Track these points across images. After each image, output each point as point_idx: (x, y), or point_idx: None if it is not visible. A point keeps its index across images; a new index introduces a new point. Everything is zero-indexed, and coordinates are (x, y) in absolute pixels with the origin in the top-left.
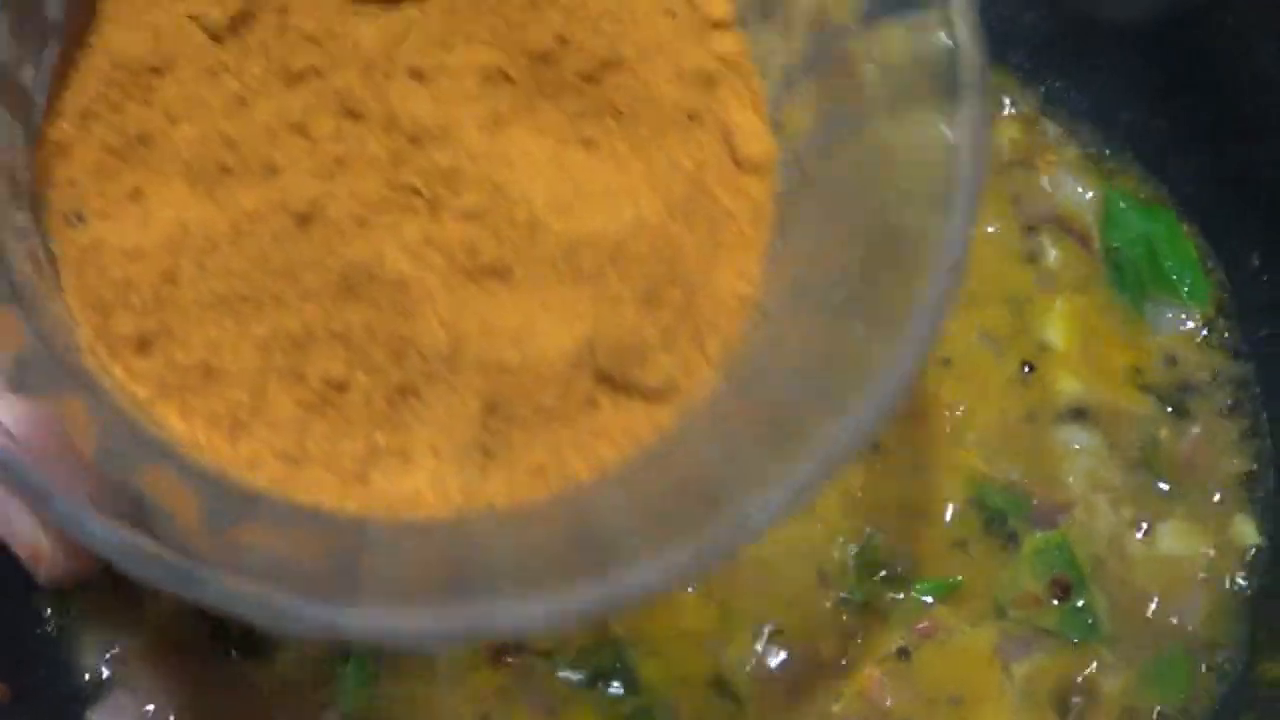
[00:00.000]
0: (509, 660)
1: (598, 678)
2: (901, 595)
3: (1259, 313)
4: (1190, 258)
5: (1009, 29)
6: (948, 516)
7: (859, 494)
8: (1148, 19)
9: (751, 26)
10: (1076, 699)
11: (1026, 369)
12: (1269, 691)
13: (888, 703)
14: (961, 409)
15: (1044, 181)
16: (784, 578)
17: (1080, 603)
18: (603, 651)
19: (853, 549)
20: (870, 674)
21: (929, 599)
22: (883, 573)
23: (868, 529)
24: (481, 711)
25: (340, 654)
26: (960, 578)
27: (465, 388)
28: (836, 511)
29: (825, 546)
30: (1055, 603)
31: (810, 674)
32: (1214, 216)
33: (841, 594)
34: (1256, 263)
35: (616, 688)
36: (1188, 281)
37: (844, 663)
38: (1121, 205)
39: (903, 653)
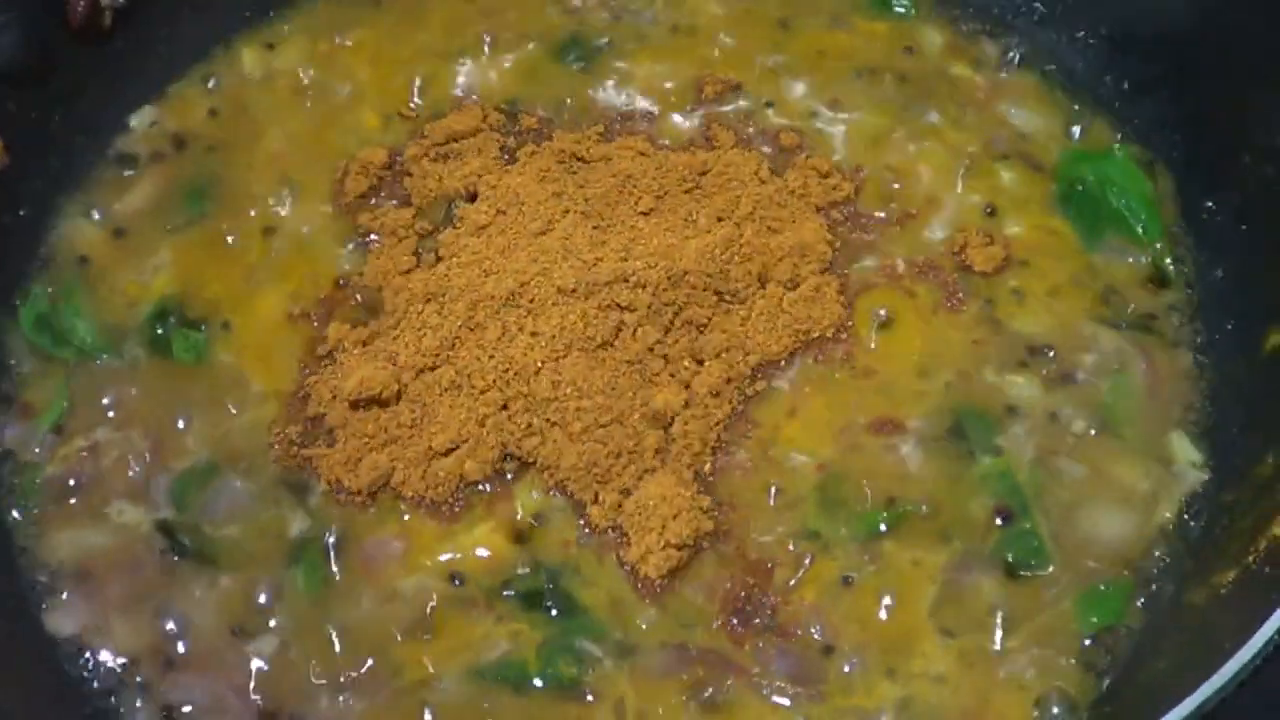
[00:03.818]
0: (459, 584)
1: (535, 598)
2: (852, 522)
3: (1212, 252)
4: (1145, 197)
5: None
6: (903, 445)
7: (824, 420)
8: None
9: None
10: (1008, 622)
11: (986, 303)
12: (1195, 615)
13: (818, 628)
14: (925, 339)
15: (1006, 116)
16: (744, 501)
17: (1026, 526)
18: (538, 575)
19: (811, 476)
20: (808, 600)
21: (880, 526)
22: (835, 499)
23: (825, 456)
24: (428, 624)
25: (290, 561)
26: (909, 507)
27: None
28: (801, 436)
29: (786, 470)
30: (998, 526)
31: (754, 597)
32: (1170, 158)
33: (796, 520)
34: (1210, 204)
35: (552, 609)
36: (1142, 219)
37: (790, 584)
38: (1080, 144)
39: (846, 580)
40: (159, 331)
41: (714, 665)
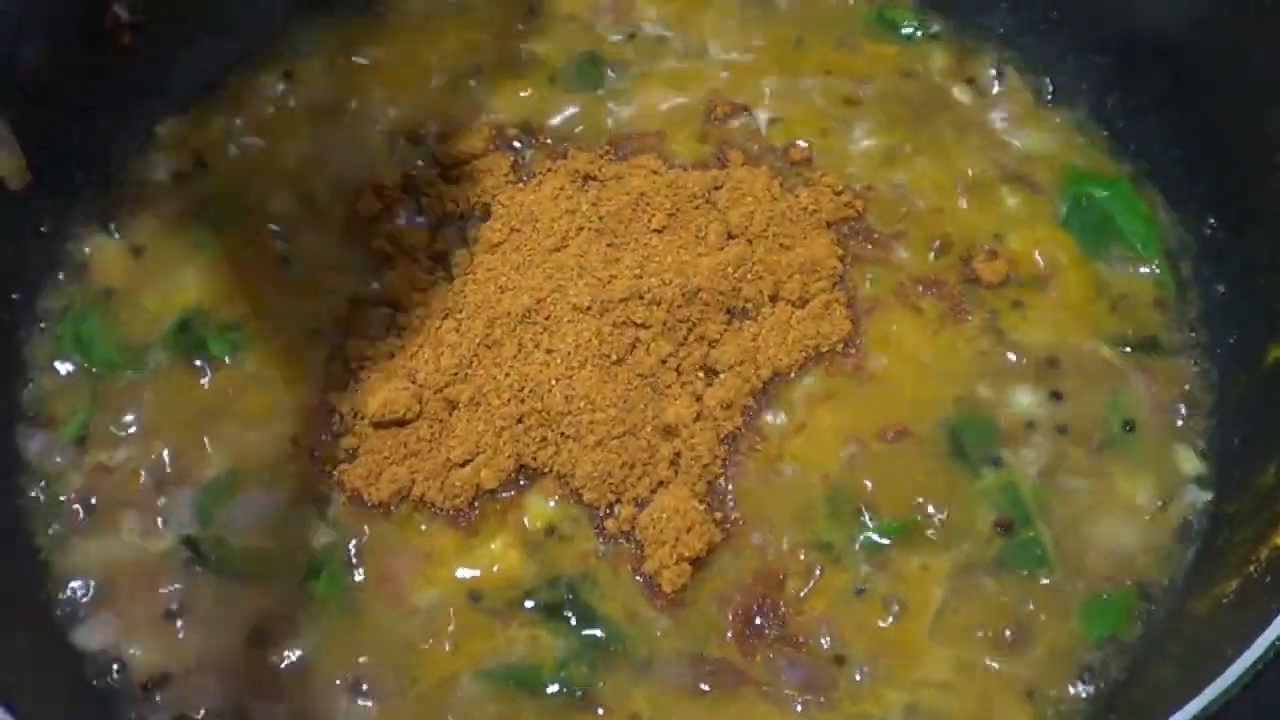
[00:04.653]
0: (477, 593)
1: (552, 608)
2: (861, 533)
3: (1214, 267)
4: (1146, 215)
5: None
6: (910, 457)
7: (832, 432)
8: None
9: None
10: (1013, 630)
11: (991, 316)
12: (1197, 624)
13: (828, 637)
14: (931, 353)
15: (1008, 136)
16: (756, 513)
17: (1029, 535)
18: (555, 586)
19: (820, 488)
20: (819, 610)
21: (888, 537)
22: (845, 511)
23: (834, 468)
24: (447, 633)
25: (312, 572)
26: (916, 518)
27: None
28: (810, 449)
29: (796, 481)
30: (1002, 535)
31: (766, 608)
32: (1172, 176)
33: (806, 531)
34: (1212, 221)
35: (572, 618)
36: (1143, 236)
37: (801, 594)
38: (1082, 163)
39: (858, 591)
40: (184, 339)
41: (726, 676)
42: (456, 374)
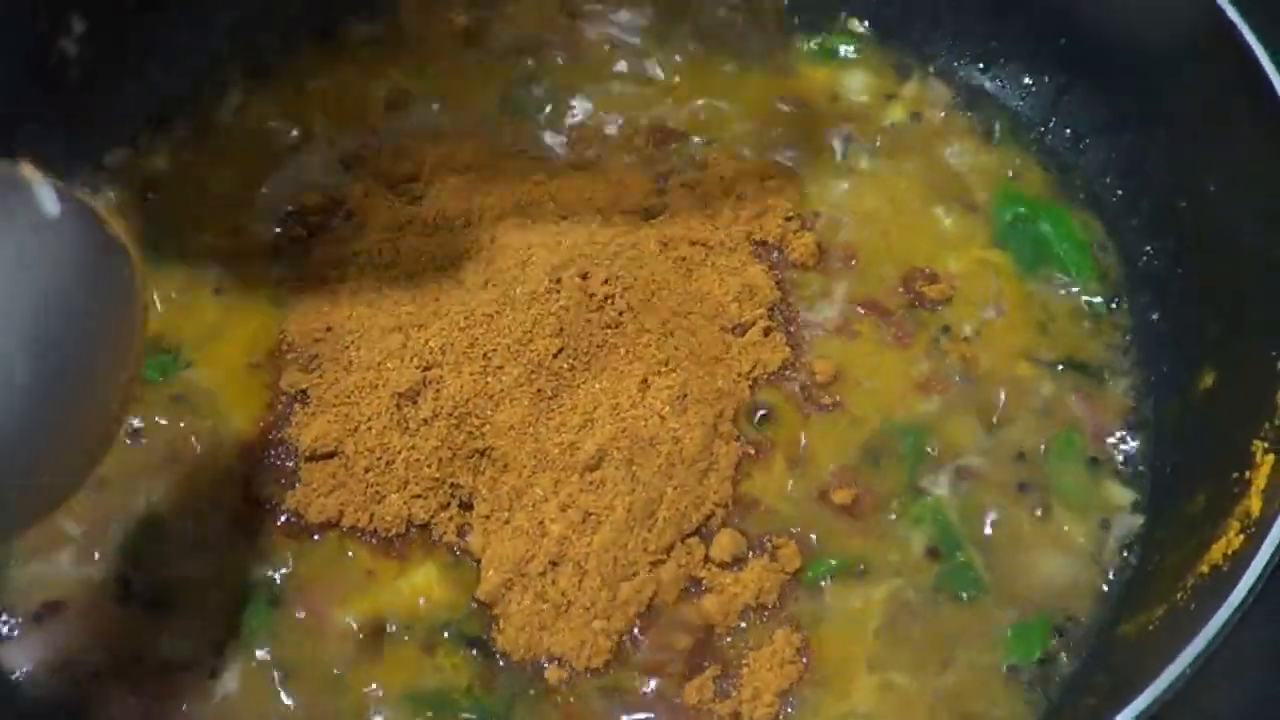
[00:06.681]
0: (404, 622)
1: (476, 641)
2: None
3: (1149, 295)
4: (1083, 242)
5: (931, 15)
6: (847, 485)
7: (775, 462)
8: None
9: None
10: (944, 657)
11: (932, 341)
12: (1126, 650)
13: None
14: (870, 379)
15: (947, 160)
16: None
17: (961, 560)
18: (481, 616)
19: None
20: (753, 642)
21: (825, 572)
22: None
23: (774, 501)
24: (375, 660)
25: (244, 600)
26: (853, 551)
27: None
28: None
29: (740, 515)
30: (935, 563)
31: (702, 644)
32: (1109, 203)
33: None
34: (1149, 249)
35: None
36: (1079, 264)
37: (739, 627)
38: (1020, 187)
39: (792, 624)
40: None
41: (662, 709)
42: (389, 405)
